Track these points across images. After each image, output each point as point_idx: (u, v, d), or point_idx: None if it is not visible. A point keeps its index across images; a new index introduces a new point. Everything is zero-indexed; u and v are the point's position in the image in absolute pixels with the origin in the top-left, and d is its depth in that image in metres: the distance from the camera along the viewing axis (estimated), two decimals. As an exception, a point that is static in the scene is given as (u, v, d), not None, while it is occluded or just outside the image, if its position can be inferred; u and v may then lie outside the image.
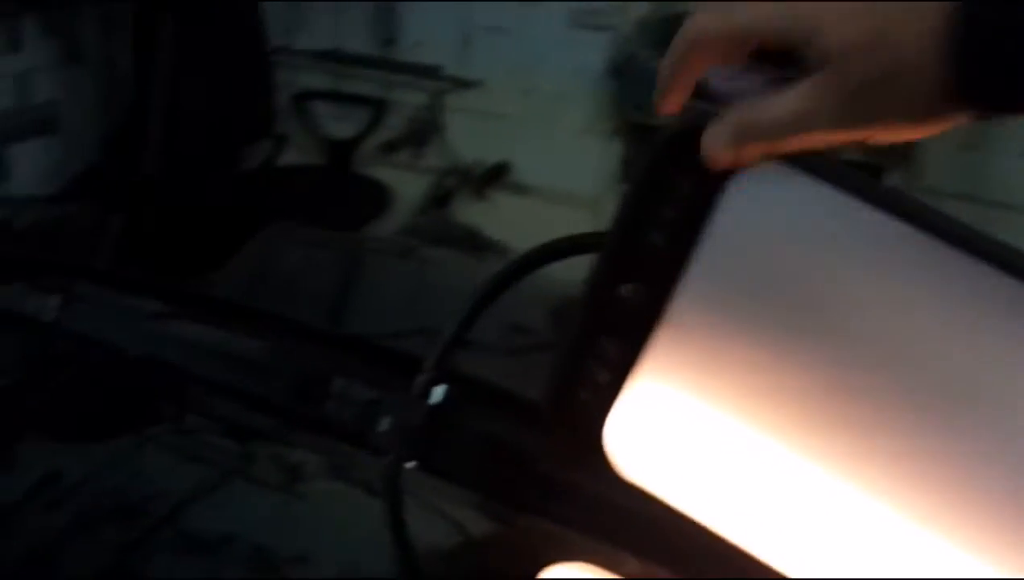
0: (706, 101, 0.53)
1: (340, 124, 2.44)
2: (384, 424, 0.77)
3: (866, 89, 0.45)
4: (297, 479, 0.78)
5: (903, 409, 0.52)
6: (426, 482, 0.80)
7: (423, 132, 2.29)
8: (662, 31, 2.29)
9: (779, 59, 0.50)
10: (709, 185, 0.53)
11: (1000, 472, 0.51)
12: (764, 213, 0.54)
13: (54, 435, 1.00)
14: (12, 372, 1.10)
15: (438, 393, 0.79)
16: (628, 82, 2.27)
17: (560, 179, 2.15)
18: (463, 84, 2.38)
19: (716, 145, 0.51)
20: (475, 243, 1.76)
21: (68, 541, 0.82)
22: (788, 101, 0.48)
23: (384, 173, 2.13)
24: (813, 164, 0.51)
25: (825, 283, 0.54)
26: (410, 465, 0.76)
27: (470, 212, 1.87)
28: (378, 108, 2.44)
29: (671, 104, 0.54)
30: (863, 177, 0.50)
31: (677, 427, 0.59)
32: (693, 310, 0.57)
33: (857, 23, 0.45)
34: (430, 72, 2.44)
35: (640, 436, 0.61)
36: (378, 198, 1.81)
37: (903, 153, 2.13)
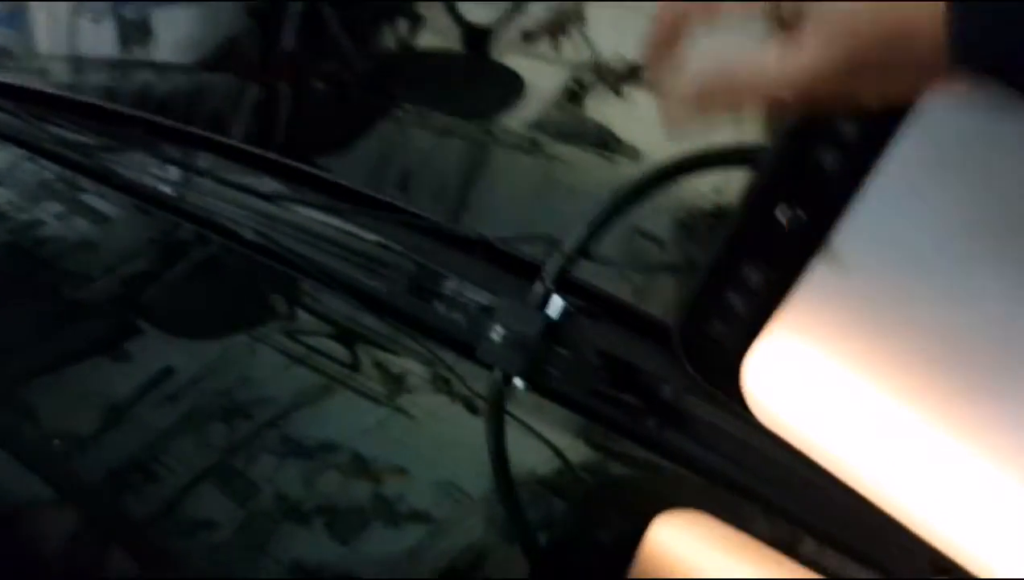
0: None
1: (478, 9, 2.36)
2: (495, 333, 0.71)
3: (872, 49, 0.42)
4: (401, 390, 0.74)
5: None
6: (528, 400, 0.75)
7: (563, 22, 2.18)
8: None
9: None
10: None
11: None
12: (954, 139, 0.46)
13: (170, 329, 0.99)
14: (134, 258, 1.09)
15: (556, 305, 0.73)
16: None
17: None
18: (608, -26, 2.26)
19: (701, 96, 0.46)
20: (607, 143, 1.67)
21: (174, 438, 0.81)
22: (792, 56, 0.43)
23: (520, 63, 2.05)
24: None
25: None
26: (518, 382, 0.71)
27: (605, 110, 1.77)
28: (518, -6, 2.34)
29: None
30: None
31: (823, 374, 0.52)
32: (859, 244, 0.49)
33: None
34: (575, -40, 2.32)
35: (782, 379, 0.54)
36: (512, 88, 1.74)
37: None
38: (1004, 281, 0.47)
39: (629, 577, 0.54)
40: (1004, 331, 0.48)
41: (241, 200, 1.03)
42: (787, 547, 0.58)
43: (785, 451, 0.54)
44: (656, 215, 1.13)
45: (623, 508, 0.64)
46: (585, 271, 0.98)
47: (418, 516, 0.65)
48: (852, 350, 0.51)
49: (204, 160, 1.11)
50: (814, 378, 0.53)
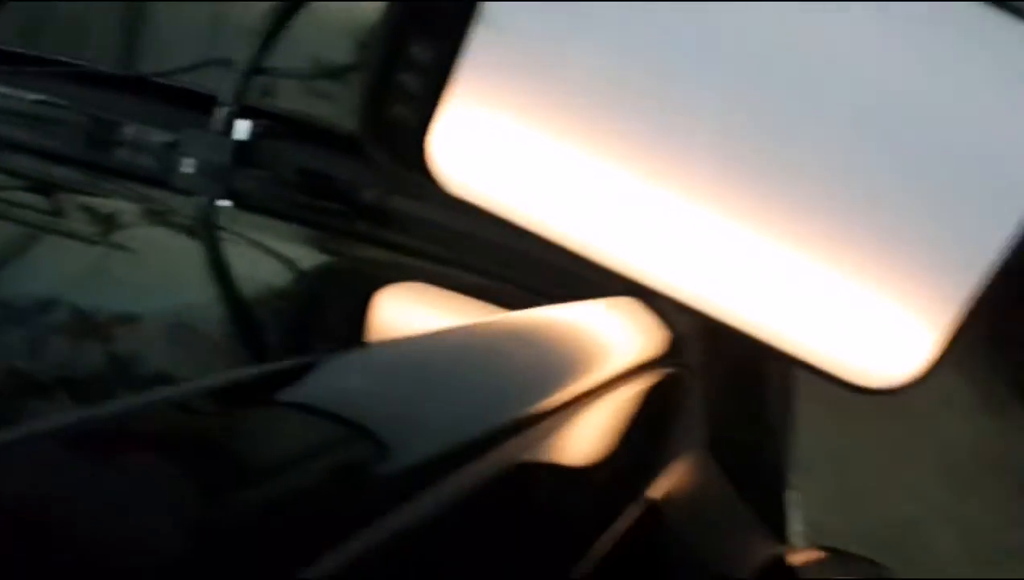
0: None
1: None
2: (186, 166, 0.70)
3: None
4: (114, 228, 0.70)
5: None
6: (252, 220, 0.75)
7: None
8: None
9: None
10: None
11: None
12: None
13: None
14: None
15: (243, 128, 0.72)
16: None
17: None
18: None
19: None
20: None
21: None
22: None
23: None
24: None
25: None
26: (224, 203, 0.71)
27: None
28: None
29: None
30: None
31: (500, 136, 0.56)
32: (509, 8, 0.52)
33: None
34: None
35: (464, 148, 0.57)
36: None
37: None
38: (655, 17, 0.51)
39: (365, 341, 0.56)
40: (658, 64, 0.53)
41: None
42: (490, 296, 0.63)
43: (477, 217, 0.57)
44: (337, 39, 1.12)
45: (349, 292, 0.66)
46: (284, 96, 0.97)
47: (161, 378, 0.63)
48: (523, 107, 0.55)
49: None
50: (493, 141, 0.56)
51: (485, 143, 0.56)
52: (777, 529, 0.77)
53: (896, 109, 0.50)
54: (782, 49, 0.50)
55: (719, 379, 0.72)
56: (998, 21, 0.47)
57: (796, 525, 0.79)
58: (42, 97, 0.84)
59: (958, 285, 0.52)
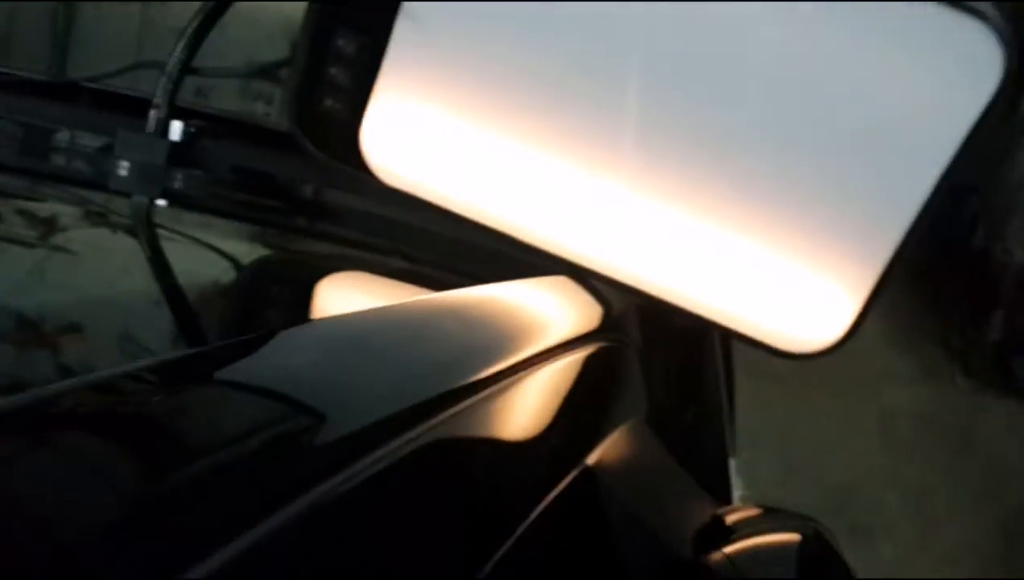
0: None
1: None
2: (122, 169, 0.70)
3: None
4: (54, 230, 0.70)
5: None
6: (190, 218, 0.76)
7: None
8: None
9: None
10: None
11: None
12: None
13: None
14: None
15: (176, 129, 0.73)
16: None
17: None
18: None
19: None
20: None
21: None
22: None
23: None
24: None
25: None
26: (161, 203, 0.71)
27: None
28: None
29: None
30: None
31: (429, 126, 0.57)
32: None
33: None
34: None
35: (395, 139, 0.58)
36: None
37: None
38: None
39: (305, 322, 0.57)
40: (572, 52, 0.55)
41: None
42: (427, 282, 0.65)
43: (413, 206, 0.59)
44: (270, 41, 1.12)
45: (289, 284, 0.67)
46: (220, 98, 0.97)
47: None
48: (448, 98, 0.56)
49: None
50: (422, 132, 0.58)
51: (414, 134, 0.58)
52: (721, 495, 0.79)
53: (807, 86, 0.52)
54: (697, 31, 0.52)
55: (658, 353, 0.74)
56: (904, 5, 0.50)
57: (738, 491, 0.82)
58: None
59: (873, 254, 0.55)
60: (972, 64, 0.50)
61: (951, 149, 0.52)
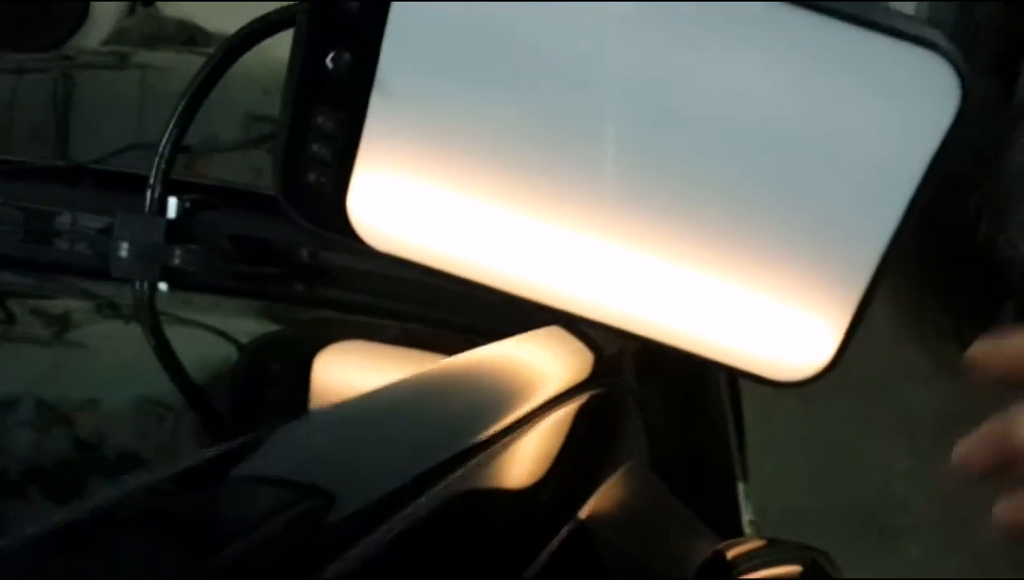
0: None
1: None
2: (122, 250, 0.72)
3: None
4: (68, 327, 0.73)
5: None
6: (190, 300, 0.78)
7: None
8: None
9: None
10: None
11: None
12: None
13: None
14: None
15: (172, 206, 0.75)
16: None
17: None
18: None
19: None
20: (194, 38, 1.64)
21: None
22: None
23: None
24: None
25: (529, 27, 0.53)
26: (163, 286, 0.74)
27: (181, 6, 1.73)
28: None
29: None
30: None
31: (412, 193, 0.59)
32: (399, 70, 0.55)
33: None
34: None
35: (381, 207, 0.60)
36: (73, 9, 1.65)
37: None
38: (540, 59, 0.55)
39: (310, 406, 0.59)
40: (543, 110, 0.56)
41: None
42: (425, 343, 0.67)
43: (403, 268, 0.61)
44: (266, 97, 1.14)
45: (292, 359, 0.69)
46: (218, 168, 0.99)
47: (128, 458, 0.65)
48: (428, 164, 0.58)
49: None
50: (406, 198, 0.60)
51: (398, 201, 0.59)
52: (731, 524, 0.80)
53: (772, 130, 0.54)
54: (661, 79, 0.54)
55: (657, 389, 0.76)
56: (854, 36, 0.51)
57: (748, 515, 0.83)
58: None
59: (851, 283, 0.57)
60: (930, 94, 0.52)
61: (916, 177, 0.54)
